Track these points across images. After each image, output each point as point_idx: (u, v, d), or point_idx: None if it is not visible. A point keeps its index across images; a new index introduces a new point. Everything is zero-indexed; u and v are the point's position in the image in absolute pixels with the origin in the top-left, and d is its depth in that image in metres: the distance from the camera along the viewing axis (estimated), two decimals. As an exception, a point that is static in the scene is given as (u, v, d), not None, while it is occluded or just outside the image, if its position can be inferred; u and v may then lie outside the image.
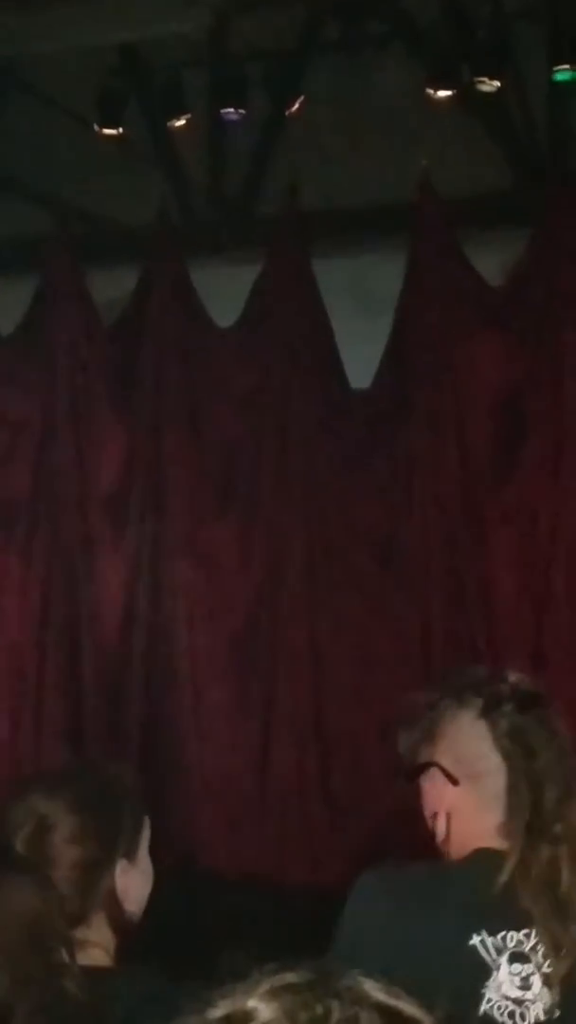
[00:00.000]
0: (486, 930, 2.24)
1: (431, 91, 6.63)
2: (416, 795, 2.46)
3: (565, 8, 6.56)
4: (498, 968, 2.23)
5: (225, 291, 7.26)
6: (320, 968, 1.08)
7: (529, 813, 2.30)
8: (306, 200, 7.14)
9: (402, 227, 6.97)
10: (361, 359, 7.05)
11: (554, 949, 2.25)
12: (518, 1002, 2.23)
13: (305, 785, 6.91)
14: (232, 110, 6.99)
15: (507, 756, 2.34)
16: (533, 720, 2.37)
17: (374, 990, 1.05)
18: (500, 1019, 2.20)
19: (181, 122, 7.15)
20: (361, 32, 6.95)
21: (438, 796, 2.40)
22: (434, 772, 2.40)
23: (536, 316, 6.86)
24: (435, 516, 6.89)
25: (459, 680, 2.46)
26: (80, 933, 2.31)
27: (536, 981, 2.24)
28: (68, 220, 7.54)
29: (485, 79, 6.57)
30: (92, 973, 2.29)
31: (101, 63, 7.02)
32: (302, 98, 7.06)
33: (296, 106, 7.08)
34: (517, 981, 2.23)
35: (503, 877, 2.24)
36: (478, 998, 2.21)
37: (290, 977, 1.07)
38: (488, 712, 2.36)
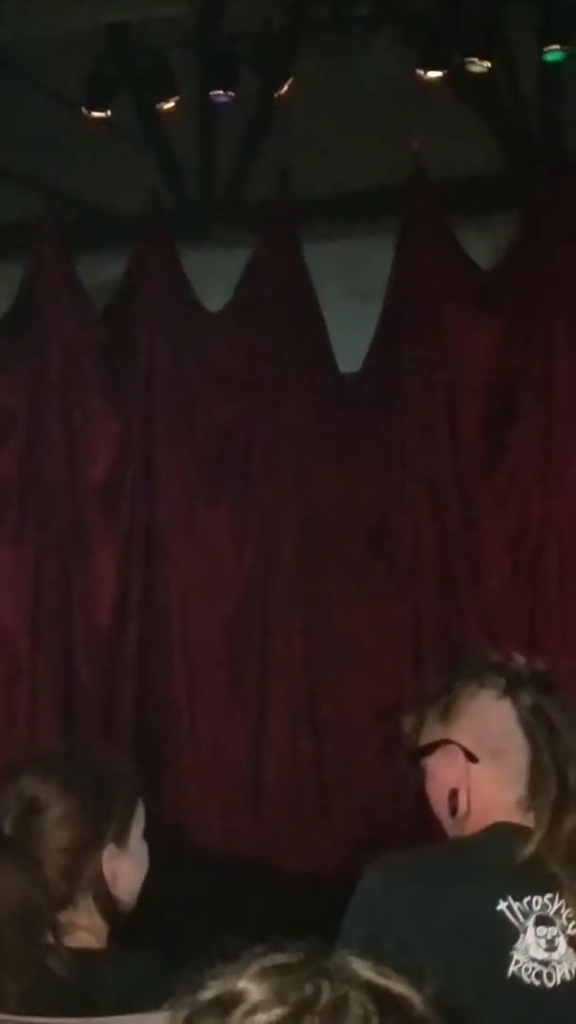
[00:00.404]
0: (512, 896, 2.32)
1: (422, 72, 6.61)
2: (422, 774, 2.51)
3: (555, -12, 6.55)
4: (525, 931, 2.31)
5: (215, 275, 7.25)
6: (310, 949, 1.08)
7: (556, 789, 2.38)
8: (296, 183, 7.12)
9: (393, 210, 6.95)
10: (351, 344, 7.04)
11: None
12: (544, 963, 2.31)
13: (298, 769, 6.92)
14: (222, 92, 6.96)
15: (530, 733, 2.42)
16: (553, 699, 2.45)
17: (363, 969, 1.05)
18: (528, 980, 2.29)
19: (170, 105, 7.12)
20: (351, 13, 6.92)
21: (457, 773, 2.46)
22: (452, 750, 2.46)
23: (527, 299, 6.85)
24: (426, 501, 6.90)
25: (475, 661, 2.53)
26: (66, 916, 2.32)
27: (562, 943, 2.32)
28: (57, 205, 7.51)
29: (476, 60, 6.54)
30: (82, 956, 2.29)
31: (89, 46, 6.99)
32: (291, 80, 7.04)
33: (286, 88, 7.06)
34: (543, 943, 2.31)
35: (529, 848, 2.33)
36: (507, 960, 2.29)
37: (280, 958, 1.07)
38: (511, 690, 2.44)
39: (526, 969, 2.29)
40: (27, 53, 7.03)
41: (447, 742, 2.47)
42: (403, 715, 2.58)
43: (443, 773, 2.48)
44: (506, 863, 2.34)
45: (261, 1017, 1.02)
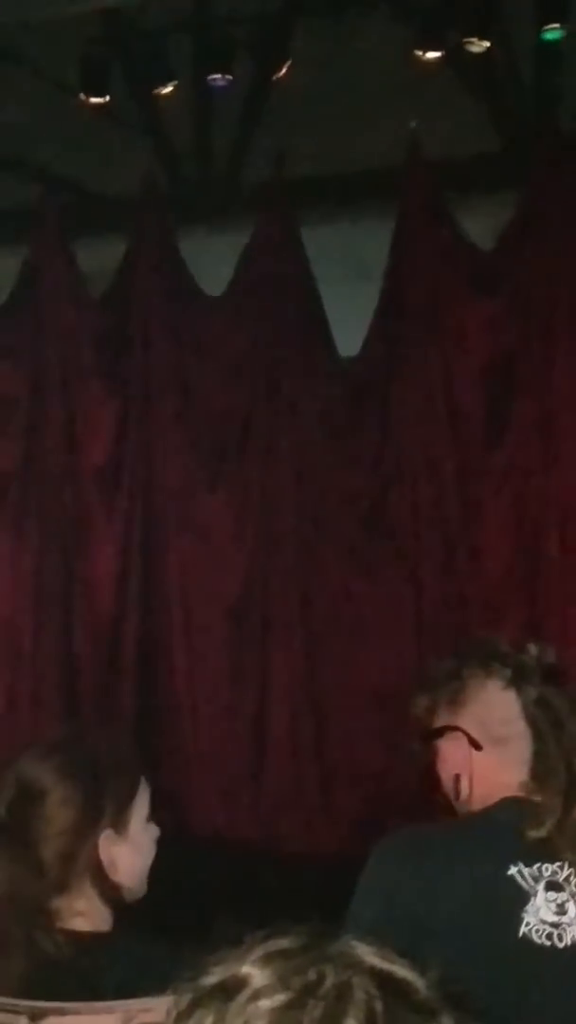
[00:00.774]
0: (522, 862, 2.42)
1: (419, 53, 6.58)
2: (432, 756, 2.62)
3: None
4: (535, 895, 2.40)
5: (213, 259, 7.23)
6: (313, 933, 1.08)
7: (565, 777, 2.47)
8: (294, 166, 7.10)
9: (391, 192, 6.93)
10: (350, 325, 7.03)
11: None
12: (555, 925, 2.40)
13: (299, 752, 6.93)
14: (219, 76, 6.94)
15: (534, 723, 2.52)
16: (558, 690, 2.55)
17: (367, 954, 1.05)
18: (538, 940, 2.38)
19: (167, 89, 7.10)
20: (347, -5, 6.90)
21: (461, 759, 2.57)
22: (457, 736, 2.57)
23: (526, 279, 6.83)
24: (426, 482, 6.89)
25: (483, 650, 2.62)
26: (64, 901, 2.32)
27: (571, 907, 2.41)
28: (54, 190, 7.49)
29: (474, 40, 6.51)
30: (79, 939, 2.29)
31: (86, 31, 6.96)
32: (289, 63, 7.01)
33: (283, 71, 7.03)
34: (553, 907, 2.40)
35: (540, 833, 2.42)
36: (518, 921, 2.38)
37: (283, 943, 1.07)
38: (517, 681, 2.54)
39: (536, 931, 2.38)
40: (24, 39, 7.01)
41: (453, 728, 2.58)
42: (412, 696, 2.66)
43: (449, 758, 2.59)
44: (515, 834, 2.43)
45: (265, 1002, 1.02)
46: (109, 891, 2.35)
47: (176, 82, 7.06)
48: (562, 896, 2.41)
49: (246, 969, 1.05)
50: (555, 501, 6.74)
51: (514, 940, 2.37)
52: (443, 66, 6.70)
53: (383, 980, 1.02)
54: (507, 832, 2.45)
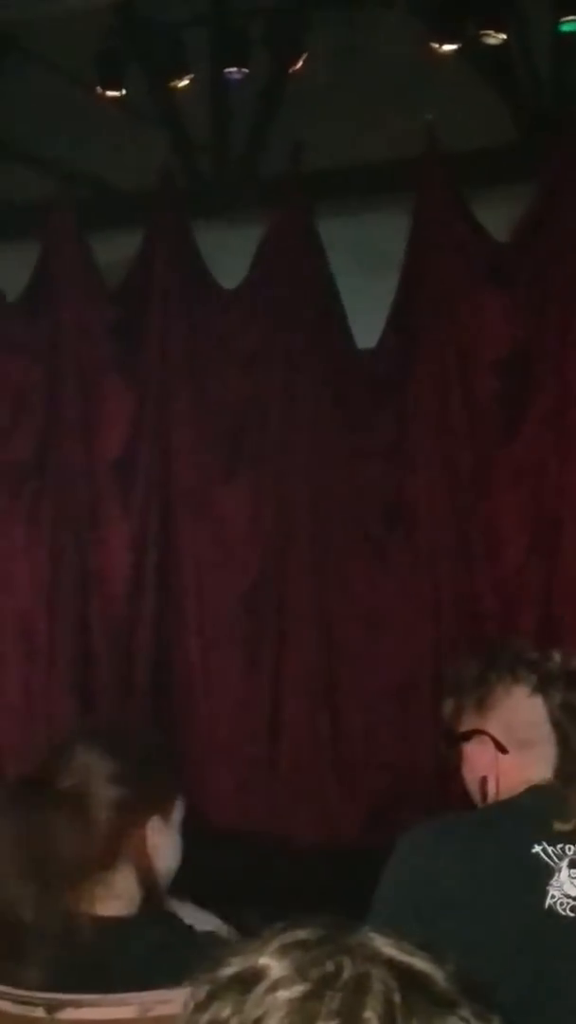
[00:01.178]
0: (546, 841, 2.54)
1: (435, 45, 6.57)
2: (458, 756, 2.74)
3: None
4: (560, 871, 2.52)
5: (229, 252, 7.23)
6: (331, 925, 1.08)
7: None
8: (310, 159, 7.09)
9: (407, 184, 6.92)
10: (367, 318, 7.02)
11: None
12: None
13: (315, 745, 6.93)
14: (235, 69, 6.94)
15: (559, 727, 2.63)
16: None
17: (385, 946, 1.05)
18: (563, 912, 2.50)
19: (183, 82, 7.10)
20: (363, -13, 6.89)
21: (487, 762, 2.68)
22: (484, 739, 2.68)
23: (542, 271, 6.82)
24: (442, 475, 6.88)
25: (509, 655, 2.73)
26: (104, 880, 2.38)
27: None
28: (71, 184, 7.50)
29: (491, 32, 6.50)
30: (103, 921, 2.32)
31: (101, 24, 6.96)
32: (305, 55, 7.01)
33: (299, 64, 7.03)
34: None
35: (567, 827, 2.53)
36: (543, 894, 2.51)
37: (301, 934, 1.08)
38: (542, 687, 2.65)
39: (561, 904, 2.50)
40: (40, 33, 7.02)
41: (480, 732, 2.68)
42: (441, 697, 2.83)
43: (475, 760, 2.70)
44: (540, 817, 2.55)
45: (283, 993, 1.02)
46: (148, 875, 2.42)
47: (192, 75, 7.06)
48: None
49: (264, 960, 1.05)
50: (571, 492, 6.73)
51: (540, 912, 2.50)
52: (459, 59, 6.69)
53: (401, 972, 1.03)
54: (532, 816, 2.56)
